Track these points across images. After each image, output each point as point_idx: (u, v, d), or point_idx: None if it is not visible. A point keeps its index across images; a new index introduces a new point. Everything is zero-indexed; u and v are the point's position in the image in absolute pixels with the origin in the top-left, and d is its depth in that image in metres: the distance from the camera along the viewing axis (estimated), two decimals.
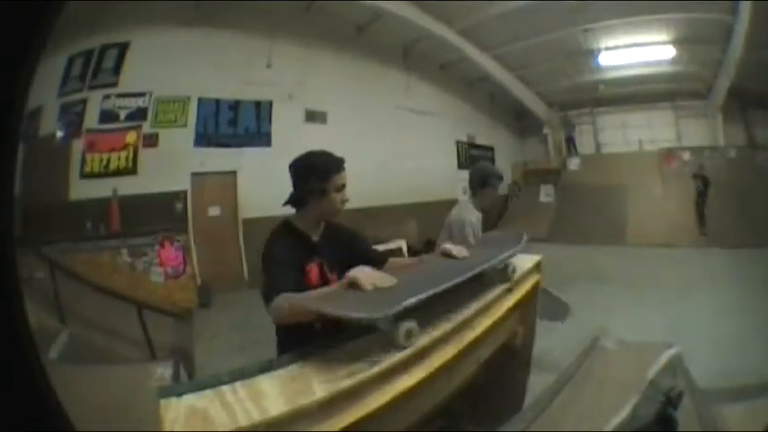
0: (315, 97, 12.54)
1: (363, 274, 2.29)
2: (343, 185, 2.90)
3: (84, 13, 9.23)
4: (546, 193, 16.83)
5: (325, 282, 2.83)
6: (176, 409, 1.50)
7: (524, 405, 3.07)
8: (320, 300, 2.19)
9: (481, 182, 4.65)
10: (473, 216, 4.54)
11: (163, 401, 1.54)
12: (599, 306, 7.66)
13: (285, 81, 12.02)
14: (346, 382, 1.69)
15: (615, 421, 1.96)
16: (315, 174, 2.84)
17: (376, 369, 1.80)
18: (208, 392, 1.59)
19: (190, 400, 1.55)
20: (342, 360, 1.85)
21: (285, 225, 2.96)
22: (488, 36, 14.45)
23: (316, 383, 1.68)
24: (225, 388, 1.62)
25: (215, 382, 1.65)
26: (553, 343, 4.04)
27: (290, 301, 2.35)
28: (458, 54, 15.05)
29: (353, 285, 2.24)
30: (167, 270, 9.45)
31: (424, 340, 2.04)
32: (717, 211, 12.65)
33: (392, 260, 3.15)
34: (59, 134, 9.72)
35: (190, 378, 3.99)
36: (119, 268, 9.19)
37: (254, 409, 1.51)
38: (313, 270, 2.86)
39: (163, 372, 3.73)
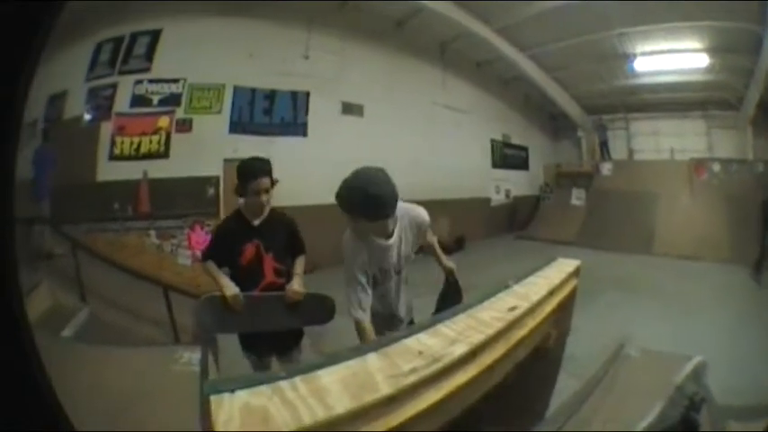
0: (352, 90, 12.57)
1: None
2: (259, 191, 3.67)
3: (111, 2, 9.56)
4: (577, 197, 16.62)
5: (259, 259, 3.80)
6: (230, 407, 1.38)
7: (550, 408, 3.13)
8: None
9: (349, 210, 3.16)
10: (350, 244, 3.32)
11: (213, 398, 1.42)
12: (623, 315, 7.57)
13: (322, 73, 12.02)
14: (410, 379, 1.65)
15: (642, 425, 2.03)
16: (240, 178, 3.70)
17: (437, 366, 1.77)
18: (264, 389, 1.48)
19: (244, 396, 1.44)
20: (402, 356, 1.80)
21: (236, 211, 3.93)
22: (525, 36, 14.44)
23: (380, 379, 1.61)
24: (283, 384, 1.51)
25: (271, 377, 1.55)
26: (578, 349, 3.93)
27: (210, 268, 3.76)
28: (494, 53, 15.03)
29: None
30: (196, 253, 9.45)
31: (479, 338, 2.04)
32: (740, 227, 12.37)
33: None
34: (87, 117, 9.93)
35: (216, 363, 3.88)
36: (145, 249, 9.32)
37: (318, 407, 1.41)
38: (249, 249, 3.77)
39: (190, 356, 3.57)
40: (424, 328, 2.11)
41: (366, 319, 3.23)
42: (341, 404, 1.43)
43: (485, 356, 2.06)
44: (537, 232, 15.66)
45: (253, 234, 3.80)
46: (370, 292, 3.30)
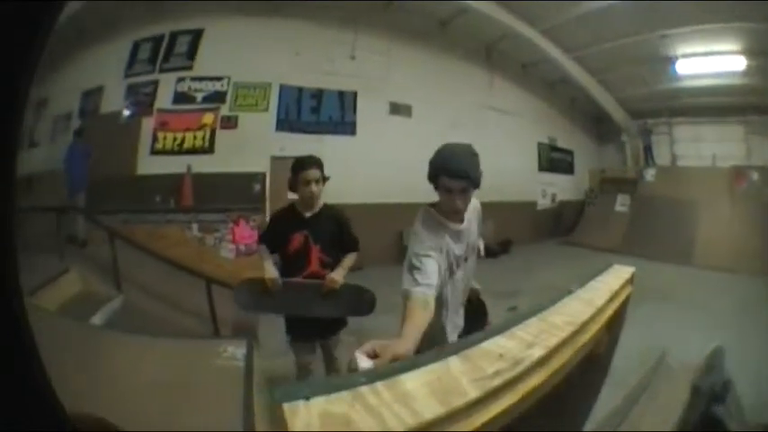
0: (400, 90, 12.56)
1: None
2: (309, 181, 3.95)
3: (148, 2, 9.89)
4: (621, 203, 16.35)
5: (307, 248, 4.04)
6: (307, 415, 1.28)
7: (592, 415, 3.12)
8: None
9: (431, 176, 2.99)
10: (425, 227, 3.02)
11: (287, 406, 1.31)
12: (662, 325, 7.36)
13: (369, 73, 12.04)
14: (495, 382, 1.60)
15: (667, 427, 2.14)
16: (292, 171, 4.05)
17: (518, 369, 1.74)
18: (344, 395, 1.38)
19: (321, 403, 1.34)
20: (484, 359, 1.76)
21: (291, 204, 4.20)
22: (569, 37, 14.31)
23: (465, 382, 1.55)
24: (364, 389, 1.41)
25: (349, 382, 1.45)
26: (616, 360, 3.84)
27: (261, 251, 4.13)
28: (540, 54, 14.91)
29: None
30: (239, 247, 9.68)
31: (554, 341, 2.05)
32: None
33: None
34: (127, 113, 10.12)
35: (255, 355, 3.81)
36: (186, 241, 9.44)
37: (406, 413, 1.31)
38: (296, 239, 4.03)
39: (234, 351, 3.43)
40: (498, 331, 2.09)
41: (431, 294, 2.71)
42: (429, 410, 1.34)
43: (555, 360, 2.05)
44: (582, 238, 15.49)
45: (303, 225, 4.06)
46: (439, 273, 2.87)
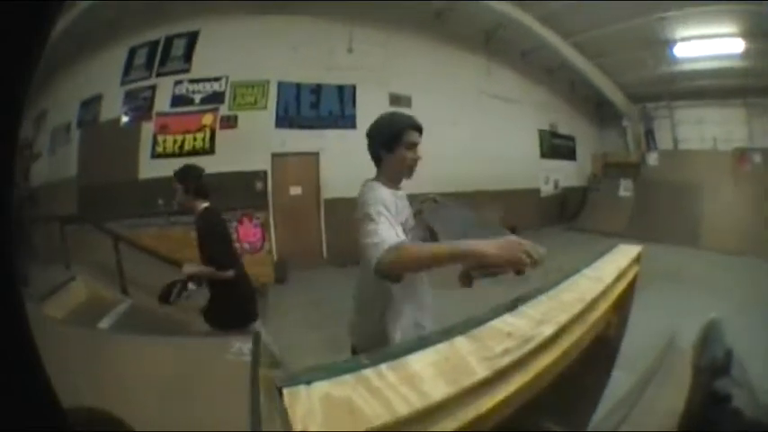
0: (398, 81, 12.55)
1: None
2: None
3: (142, 8, 9.98)
4: (625, 188, 16.43)
5: None
6: (308, 400, 1.22)
7: (605, 398, 3.06)
8: None
9: (393, 137, 2.92)
10: (378, 189, 2.79)
11: (287, 391, 1.25)
12: (671, 308, 7.37)
13: (368, 65, 12.08)
14: (504, 360, 1.54)
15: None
16: None
17: (528, 347, 1.68)
18: (347, 378, 1.32)
19: (324, 387, 1.28)
20: (492, 338, 1.70)
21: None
22: (566, 22, 14.30)
23: (474, 362, 1.50)
24: (367, 372, 1.36)
25: (352, 365, 1.39)
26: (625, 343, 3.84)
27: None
28: (538, 41, 14.87)
29: None
30: (244, 246, 9.59)
31: (564, 317, 1.99)
32: None
33: None
34: (125, 119, 10.24)
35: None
36: (191, 243, 9.34)
37: (413, 395, 1.26)
38: None
39: (241, 346, 3.43)
40: (507, 309, 2.02)
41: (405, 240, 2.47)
42: (437, 390, 1.29)
43: (566, 338, 1.99)
44: (587, 224, 15.57)
45: None
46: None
